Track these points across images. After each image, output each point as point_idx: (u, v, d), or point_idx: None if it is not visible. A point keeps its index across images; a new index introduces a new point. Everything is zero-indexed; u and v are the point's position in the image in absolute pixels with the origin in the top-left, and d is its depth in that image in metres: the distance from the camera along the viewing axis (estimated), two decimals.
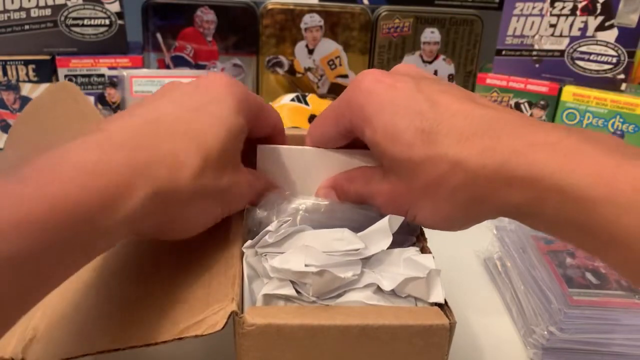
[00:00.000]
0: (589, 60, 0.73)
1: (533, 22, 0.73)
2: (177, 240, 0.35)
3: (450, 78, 0.80)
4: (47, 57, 0.74)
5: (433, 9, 0.78)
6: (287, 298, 0.31)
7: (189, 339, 0.29)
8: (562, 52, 0.73)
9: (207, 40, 0.78)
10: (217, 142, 0.31)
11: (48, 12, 0.72)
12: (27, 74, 0.73)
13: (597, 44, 0.72)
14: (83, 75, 0.75)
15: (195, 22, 0.77)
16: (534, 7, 0.72)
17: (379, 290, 0.32)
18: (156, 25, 0.76)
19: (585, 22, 0.71)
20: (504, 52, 0.75)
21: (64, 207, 0.24)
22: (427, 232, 0.37)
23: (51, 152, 0.27)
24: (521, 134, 0.29)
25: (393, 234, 0.33)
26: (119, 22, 0.74)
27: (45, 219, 0.24)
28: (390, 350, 0.30)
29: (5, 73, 0.73)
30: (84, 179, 0.26)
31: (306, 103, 0.71)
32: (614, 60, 0.72)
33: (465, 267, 0.57)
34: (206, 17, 0.77)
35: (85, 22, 0.74)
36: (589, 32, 0.72)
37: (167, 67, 0.78)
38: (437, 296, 0.31)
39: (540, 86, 0.74)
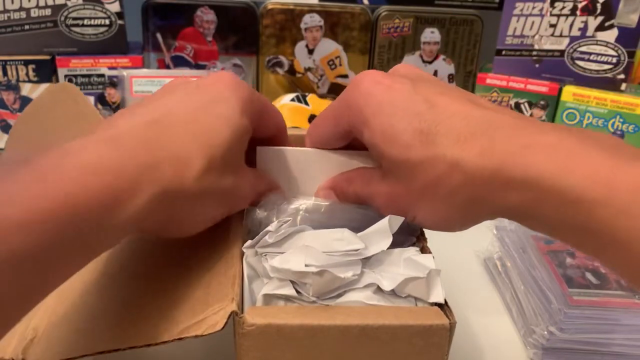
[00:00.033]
0: (589, 60, 0.73)
1: (533, 22, 0.73)
2: (177, 241, 0.35)
3: (450, 78, 0.80)
4: (47, 57, 0.74)
5: (433, 9, 0.78)
6: (287, 298, 0.31)
7: (189, 339, 0.29)
8: (562, 52, 0.73)
9: (207, 40, 0.78)
10: (222, 142, 0.31)
11: (48, 12, 0.72)
12: (27, 74, 0.73)
13: (597, 44, 0.72)
14: (83, 75, 0.75)
15: (195, 22, 0.77)
16: (534, 7, 0.72)
17: (379, 290, 0.32)
18: (156, 25, 0.76)
19: (585, 22, 0.71)
20: (504, 52, 0.75)
21: (70, 205, 0.25)
22: (427, 232, 0.37)
23: (57, 150, 0.27)
24: (519, 135, 0.29)
25: (393, 234, 0.33)
26: (119, 22, 0.74)
27: (51, 218, 0.24)
28: (390, 350, 0.30)
29: (5, 73, 0.73)
30: (90, 178, 0.26)
31: (306, 103, 0.71)
32: (614, 60, 0.72)
33: (465, 267, 0.57)
34: (206, 17, 0.77)
35: (85, 22, 0.74)
36: (589, 32, 0.72)
37: (167, 67, 0.78)
38: (437, 296, 0.31)
39: (540, 86, 0.74)
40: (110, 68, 0.76)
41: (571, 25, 0.72)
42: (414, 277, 0.31)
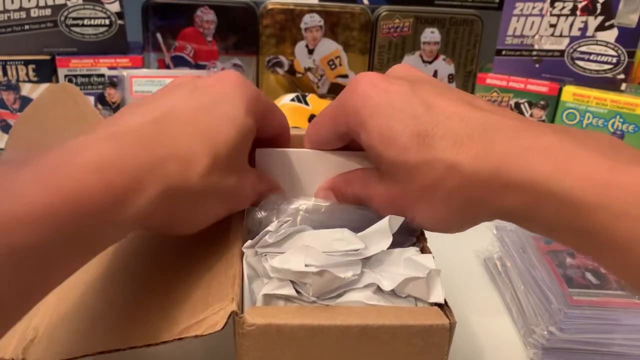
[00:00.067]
0: (589, 60, 0.73)
1: (533, 22, 0.73)
2: (177, 241, 0.35)
3: (450, 78, 0.80)
4: (47, 57, 0.74)
5: (433, 9, 0.78)
6: (287, 298, 0.31)
7: (189, 339, 0.29)
8: (562, 52, 0.73)
9: (207, 40, 0.78)
10: (227, 142, 0.32)
11: (48, 12, 0.72)
12: (27, 74, 0.73)
13: (597, 44, 0.72)
14: (83, 75, 0.75)
15: (195, 22, 0.77)
16: (534, 7, 0.72)
17: (379, 290, 0.32)
18: (156, 25, 0.76)
19: (585, 22, 0.71)
20: (504, 52, 0.75)
21: (72, 202, 0.25)
22: (427, 233, 0.37)
23: (60, 147, 0.27)
24: (516, 137, 0.29)
25: (393, 235, 0.33)
26: (119, 22, 0.74)
27: (52, 214, 0.24)
28: (390, 350, 0.30)
29: (5, 73, 0.73)
30: (93, 175, 0.26)
31: (306, 103, 0.72)
32: (614, 60, 0.72)
33: (465, 267, 0.57)
34: (206, 17, 0.77)
35: (85, 22, 0.74)
36: (589, 32, 0.72)
37: (167, 67, 0.78)
38: (437, 296, 0.31)
39: (540, 86, 0.74)
40: (110, 68, 0.76)
41: (571, 25, 0.72)
42: (414, 277, 0.31)
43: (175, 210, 0.30)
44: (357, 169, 0.37)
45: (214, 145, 0.31)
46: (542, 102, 0.74)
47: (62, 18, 0.73)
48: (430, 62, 0.79)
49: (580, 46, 0.73)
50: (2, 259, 0.22)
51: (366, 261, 0.33)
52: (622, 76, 0.72)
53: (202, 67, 0.79)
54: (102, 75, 0.76)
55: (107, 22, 0.74)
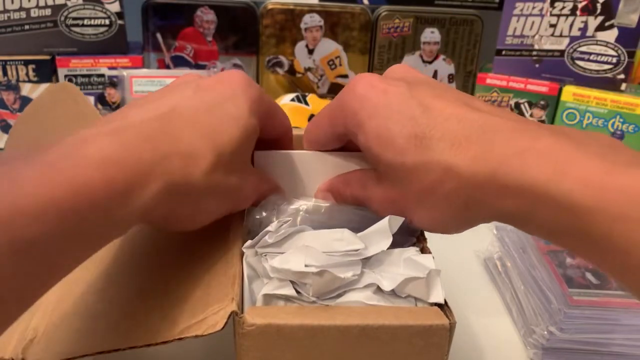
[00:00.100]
0: (589, 60, 0.73)
1: (533, 22, 0.73)
2: (177, 241, 0.35)
3: (450, 78, 0.80)
4: (47, 57, 0.74)
5: (433, 9, 0.78)
6: (287, 298, 0.31)
7: (189, 339, 0.29)
8: (562, 52, 0.73)
9: (207, 40, 0.78)
10: (231, 141, 0.32)
11: (48, 12, 0.72)
12: (27, 74, 0.73)
13: (597, 44, 0.72)
14: (83, 75, 0.75)
15: (195, 22, 0.77)
16: (534, 7, 0.72)
17: (379, 290, 0.32)
18: (156, 25, 0.76)
19: (585, 22, 0.71)
20: (504, 52, 0.75)
21: (78, 195, 0.25)
22: (427, 233, 0.37)
23: (64, 140, 0.27)
24: (514, 139, 0.29)
25: (393, 235, 0.33)
26: (119, 22, 0.74)
27: (58, 207, 0.24)
28: (390, 351, 0.30)
29: (5, 73, 0.73)
30: (98, 169, 0.26)
31: (306, 103, 0.72)
32: (614, 60, 0.72)
33: (465, 267, 0.57)
34: (206, 17, 0.77)
35: (85, 22, 0.74)
36: (589, 32, 0.72)
37: (167, 67, 0.78)
38: (437, 296, 0.31)
39: (540, 86, 0.74)
40: (110, 68, 0.76)
41: (571, 25, 0.72)
42: (413, 277, 0.31)
43: (177, 206, 0.31)
44: (355, 170, 0.37)
45: (218, 144, 0.31)
46: (542, 102, 0.74)
47: (62, 18, 0.73)
48: (430, 62, 0.79)
49: (580, 46, 0.73)
50: (2, 252, 0.23)
51: (366, 261, 0.33)
52: (622, 76, 0.72)
53: (202, 67, 0.79)
54: (102, 75, 0.76)
55: (107, 22, 0.74)
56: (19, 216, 0.23)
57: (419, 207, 0.32)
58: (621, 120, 0.70)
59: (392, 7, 0.77)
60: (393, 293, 0.32)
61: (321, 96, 0.78)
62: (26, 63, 0.73)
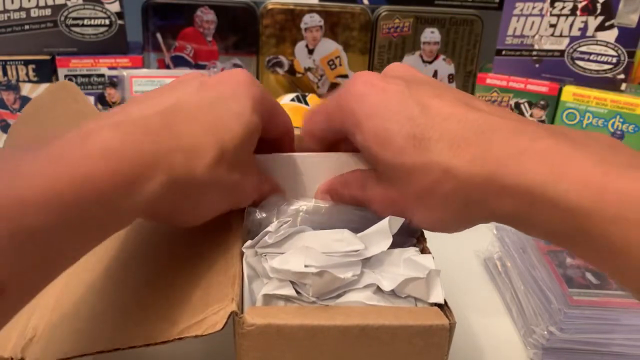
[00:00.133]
0: (589, 60, 0.73)
1: (533, 22, 0.73)
2: (177, 241, 0.35)
3: (450, 78, 0.80)
4: (47, 57, 0.74)
5: (433, 9, 0.78)
6: (287, 298, 0.31)
7: (189, 339, 0.29)
8: (562, 52, 0.73)
9: (207, 40, 0.78)
10: (234, 137, 0.32)
11: (48, 12, 0.72)
12: (27, 74, 0.73)
13: (597, 44, 0.72)
14: (83, 75, 0.75)
15: (195, 22, 0.77)
16: (534, 7, 0.72)
17: (378, 290, 0.32)
18: (156, 25, 0.76)
19: (585, 22, 0.71)
20: (504, 52, 0.75)
21: (81, 187, 0.25)
22: (427, 232, 0.37)
23: (68, 133, 0.27)
24: (512, 140, 0.29)
25: (393, 236, 0.33)
26: (119, 22, 0.74)
27: (61, 198, 0.24)
28: (390, 351, 0.30)
29: (5, 73, 0.73)
30: (101, 161, 0.26)
31: (306, 103, 0.71)
32: (614, 60, 0.72)
33: (465, 267, 0.57)
34: (206, 17, 0.77)
35: (85, 22, 0.74)
36: (589, 32, 0.72)
37: (167, 67, 0.78)
38: (437, 296, 0.31)
39: (540, 86, 0.74)
40: (110, 68, 0.76)
41: (571, 25, 0.72)
42: (413, 278, 0.31)
43: (179, 200, 0.31)
44: (354, 171, 0.37)
45: (221, 140, 0.31)
46: (542, 102, 0.74)
47: (62, 18, 0.73)
48: (430, 62, 0.79)
49: (580, 46, 0.73)
50: (6, 241, 0.23)
51: (366, 261, 0.33)
52: (622, 76, 0.72)
53: (202, 67, 0.79)
54: (102, 75, 0.76)
55: (107, 22, 0.74)
56: (23, 207, 0.23)
57: (418, 208, 0.32)
58: (621, 120, 0.70)
59: (392, 7, 0.77)
60: (393, 293, 0.32)
61: (321, 96, 0.78)
62: (26, 63, 0.73)
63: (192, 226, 0.34)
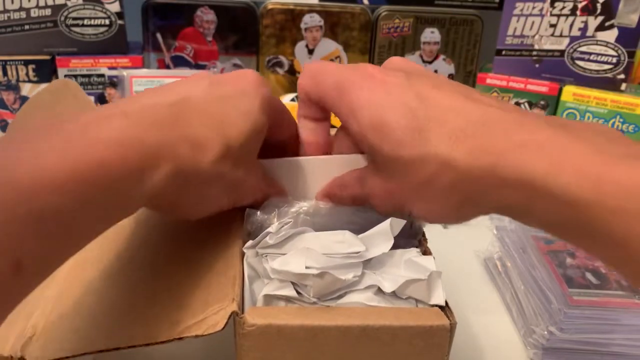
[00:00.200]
0: (589, 60, 0.73)
1: (533, 22, 0.73)
2: (178, 240, 0.35)
3: (450, 78, 0.80)
4: (47, 57, 0.74)
5: (433, 9, 0.78)
6: (287, 299, 0.31)
7: (189, 339, 0.29)
8: (562, 52, 0.73)
9: (207, 40, 0.78)
10: (240, 134, 0.32)
11: (48, 12, 0.72)
12: (27, 74, 0.73)
13: (597, 44, 0.72)
14: (83, 75, 0.75)
15: (195, 22, 0.77)
16: (534, 7, 0.72)
17: (379, 291, 0.32)
18: (156, 25, 0.76)
19: (585, 22, 0.71)
20: (504, 52, 0.75)
21: (95, 171, 0.26)
22: (428, 233, 0.37)
23: (82, 118, 0.28)
24: (512, 132, 0.28)
25: (395, 237, 0.33)
26: (119, 22, 0.74)
27: (77, 181, 0.25)
28: (391, 351, 0.30)
29: (5, 73, 0.73)
30: (112, 148, 0.27)
31: None
32: (614, 60, 0.72)
33: (465, 267, 0.57)
34: (206, 17, 0.77)
35: (85, 22, 0.74)
36: (589, 32, 0.72)
37: (167, 67, 0.78)
38: (438, 298, 0.31)
39: (540, 86, 0.74)
40: (110, 68, 0.76)
41: (571, 25, 0.72)
42: (415, 279, 0.31)
43: (183, 192, 0.31)
44: (351, 171, 0.37)
45: (227, 135, 0.31)
46: (542, 102, 0.74)
47: (62, 18, 0.73)
48: (430, 62, 0.79)
49: (580, 46, 0.73)
50: (24, 219, 0.23)
51: (367, 262, 0.33)
52: (622, 76, 0.72)
53: (202, 67, 0.79)
54: (102, 75, 0.76)
55: (107, 22, 0.74)
56: (40, 187, 0.24)
57: (417, 200, 0.32)
58: (621, 120, 0.70)
59: (392, 7, 0.77)
60: (394, 295, 0.32)
61: None
62: (26, 63, 0.73)
63: (192, 219, 0.34)
